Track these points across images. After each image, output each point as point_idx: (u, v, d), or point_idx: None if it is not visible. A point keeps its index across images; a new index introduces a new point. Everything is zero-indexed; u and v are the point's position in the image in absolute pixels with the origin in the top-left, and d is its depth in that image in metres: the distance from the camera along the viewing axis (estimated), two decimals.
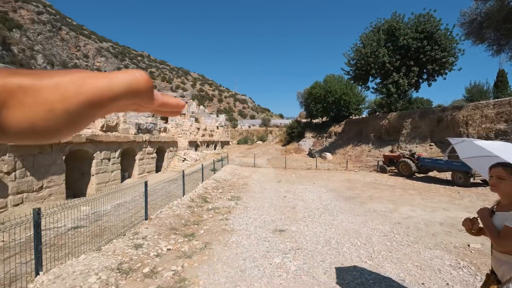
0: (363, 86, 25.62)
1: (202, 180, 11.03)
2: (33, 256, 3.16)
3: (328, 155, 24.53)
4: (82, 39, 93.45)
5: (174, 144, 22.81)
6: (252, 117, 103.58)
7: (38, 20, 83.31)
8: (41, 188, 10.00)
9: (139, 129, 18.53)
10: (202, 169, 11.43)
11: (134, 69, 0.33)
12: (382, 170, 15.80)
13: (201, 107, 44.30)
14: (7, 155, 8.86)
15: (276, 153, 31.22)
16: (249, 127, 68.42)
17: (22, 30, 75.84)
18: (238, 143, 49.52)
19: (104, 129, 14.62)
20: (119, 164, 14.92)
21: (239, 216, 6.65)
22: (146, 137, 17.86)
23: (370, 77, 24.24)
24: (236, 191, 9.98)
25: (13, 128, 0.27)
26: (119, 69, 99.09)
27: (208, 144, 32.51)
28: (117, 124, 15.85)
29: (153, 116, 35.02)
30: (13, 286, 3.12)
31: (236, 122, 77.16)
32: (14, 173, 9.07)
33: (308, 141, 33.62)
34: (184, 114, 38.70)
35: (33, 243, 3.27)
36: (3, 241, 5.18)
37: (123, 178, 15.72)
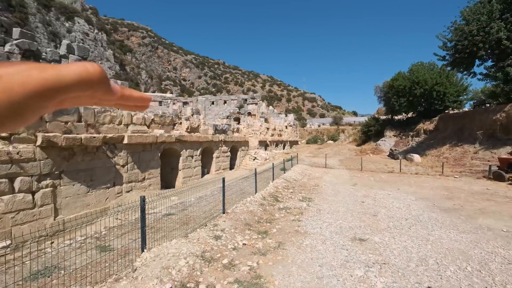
0: (466, 72, 20.68)
1: (273, 179, 11.16)
2: (139, 235, 3.81)
3: (416, 156, 20.94)
4: (172, 55, 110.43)
5: (245, 143, 24.11)
6: (322, 116, 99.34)
7: (142, 43, 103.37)
8: (144, 179, 12.22)
9: (216, 130, 20.39)
10: (273, 168, 11.58)
11: (89, 62, 0.31)
12: (497, 177, 12.32)
13: (270, 107, 45.38)
14: (122, 151, 11.19)
15: (350, 154, 28.85)
16: (319, 126, 65.82)
17: (132, 52, 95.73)
18: (307, 143, 48.35)
19: (188, 130, 16.72)
20: (200, 161, 16.79)
21: (312, 218, 6.35)
22: (221, 137, 19.50)
23: (476, 60, 19.34)
24: (307, 192, 9.65)
25: None
26: (200, 77, 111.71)
27: (277, 143, 32.96)
28: (198, 125, 17.88)
29: (227, 118, 38.03)
30: (126, 257, 3.83)
31: (305, 122, 75.54)
32: (126, 166, 11.39)
33: (388, 141, 29.69)
34: (255, 115, 40.46)
35: (139, 224, 3.94)
36: (119, 219, 6.51)
37: (203, 174, 17.61)
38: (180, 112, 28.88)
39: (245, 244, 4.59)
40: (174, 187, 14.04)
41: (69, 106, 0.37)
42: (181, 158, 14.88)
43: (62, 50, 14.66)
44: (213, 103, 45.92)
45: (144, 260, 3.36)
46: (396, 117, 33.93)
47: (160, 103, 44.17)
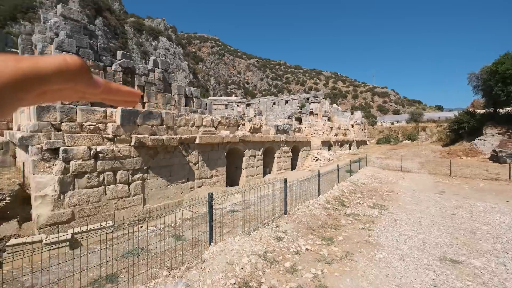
0: None
1: (338, 182, 10.42)
2: (207, 229, 4.09)
3: None
4: (237, 60, 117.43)
5: (307, 143, 23.41)
6: (396, 112, 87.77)
7: (211, 52, 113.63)
8: (212, 176, 13.29)
9: (277, 130, 20.51)
10: (338, 170, 10.82)
11: (71, 55, 0.30)
12: None
13: (334, 105, 42.83)
14: (195, 151, 12.44)
15: (433, 155, 24.47)
16: (392, 123, 58.37)
17: (202, 61, 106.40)
18: (377, 143, 43.48)
19: (251, 131, 17.35)
20: (262, 161, 17.17)
21: (386, 229, 5.59)
22: (283, 137, 19.46)
23: None
24: (379, 198, 8.60)
25: None
26: (262, 79, 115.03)
27: (341, 143, 30.83)
28: (260, 126, 18.36)
29: (288, 118, 37.83)
30: (196, 248, 4.18)
31: (375, 119, 68.21)
32: (198, 163, 12.61)
33: (490, 140, 23.82)
34: (317, 114, 38.93)
35: (207, 218, 4.25)
36: (192, 211, 7.20)
37: (264, 173, 17.96)
38: (244, 113, 30.33)
39: (308, 249, 4.38)
40: (238, 185, 14.79)
41: (52, 100, 0.35)
42: (244, 158, 15.56)
43: (150, 65, 17.38)
44: (274, 103, 46.47)
45: (211, 253, 3.58)
46: (501, 110, 26.94)
47: (226, 106, 47.48)
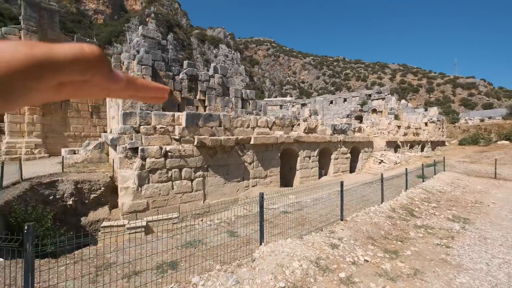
0: None
1: (406, 188, 9.16)
2: (258, 228, 4.14)
3: None
4: (292, 60, 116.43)
5: (369, 144, 21.39)
6: (487, 106, 72.07)
7: (266, 55, 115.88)
8: (266, 176, 13.47)
9: (334, 130, 19.39)
10: (406, 175, 9.50)
11: (87, 43, 0.28)
12: None
13: (403, 101, 37.87)
14: (250, 151, 12.84)
15: None
16: (481, 120, 48.15)
17: (258, 64, 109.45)
18: (460, 144, 36.43)
19: (306, 131, 16.88)
20: (317, 162, 16.50)
21: (471, 248, 4.60)
22: (340, 137, 18.29)
23: None
24: (462, 210, 7.16)
25: None
26: (318, 78, 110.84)
27: (411, 144, 27.03)
28: (316, 126, 17.68)
29: (347, 117, 35.36)
30: (248, 246, 4.27)
31: (457, 116, 57.47)
32: (252, 163, 12.98)
33: None
34: (381, 112, 35.20)
35: (259, 217, 4.30)
36: (246, 209, 7.43)
37: (320, 175, 17.21)
38: (298, 113, 29.80)
39: (367, 260, 3.96)
40: (291, 186, 14.59)
41: (73, 96, 0.33)
42: (298, 158, 15.25)
43: (211, 72, 18.83)
44: (331, 102, 44.15)
45: (262, 253, 3.60)
46: None
47: (281, 106, 47.57)
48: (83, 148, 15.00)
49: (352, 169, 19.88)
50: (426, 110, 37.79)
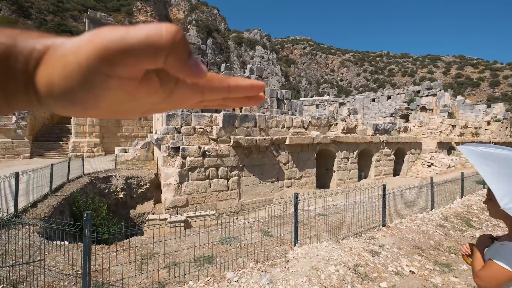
0: None
1: (462, 195, 8.09)
2: (292, 229, 4.07)
3: None
4: (330, 57, 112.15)
5: (416, 145, 19.46)
6: None
7: (303, 54, 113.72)
8: (301, 177, 13.20)
9: (376, 129, 18.09)
10: (462, 180, 8.39)
11: (169, 23, 0.25)
12: None
13: (459, 97, 33.54)
14: (284, 151, 12.73)
15: None
16: None
17: (294, 64, 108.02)
18: None
19: (344, 131, 16.09)
20: (356, 164, 15.59)
21: None
22: (383, 137, 17.00)
23: None
24: None
25: (39, 88, 0.26)
26: (358, 75, 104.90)
27: None
28: (355, 126, 16.73)
29: (391, 115, 32.72)
30: (282, 246, 4.23)
31: None
32: (287, 164, 12.84)
33: None
34: (432, 110, 31.76)
35: (293, 218, 4.22)
36: (280, 209, 7.37)
37: (359, 178, 16.23)
38: (336, 113, 28.55)
39: (412, 272, 3.59)
40: (328, 188, 14.03)
41: (161, 101, 0.30)
42: (336, 160, 14.60)
43: (247, 73, 19.22)
44: (373, 100, 41.33)
45: (296, 255, 3.53)
46: None
47: (317, 106, 46.18)
48: (132, 147, 16.59)
49: (396, 172, 18.32)
50: (488, 107, 32.89)
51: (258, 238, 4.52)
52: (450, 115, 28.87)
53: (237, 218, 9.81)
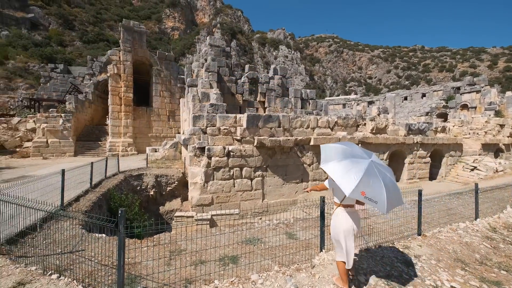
0: None
1: None
2: (318, 233, 3.93)
3: None
4: (357, 54, 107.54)
5: (456, 147, 17.85)
6: None
7: (328, 51, 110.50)
8: (326, 178, 12.81)
9: (410, 130, 16.92)
10: None
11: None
12: None
13: (508, 93, 30.01)
14: (309, 152, 12.45)
15: None
16: None
17: (319, 62, 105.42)
18: None
19: (373, 131, 15.29)
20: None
21: None
22: (417, 138, 15.87)
23: None
24: None
25: None
26: (389, 71, 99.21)
27: None
28: (386, 126, 15.82)
29: (427, 114, 30.42)
30: (307, 250, 4.11)
31: None
32: (312, 165, 12.54)
33: None
34: (474, 108, 28.94)
35: (319, 222, 4.08)
36: (305, 212, 7.21)
37: None
38: (364, 112, 27.24)
39: (454, 287, 3.27)
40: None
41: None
42: None
43: (271, 73, 19.15)
44: (405, 98, 38.81)
45: (322, 260, 3.41)
46: None
47: (344, 105, 44.55)
48: (161, 147, 17.42)
49: (433, 176, 17.00)
50: None
51: (283, 240, 4.45)
52: (498, 113, 26.05)
53: (260, 219, 9.80)
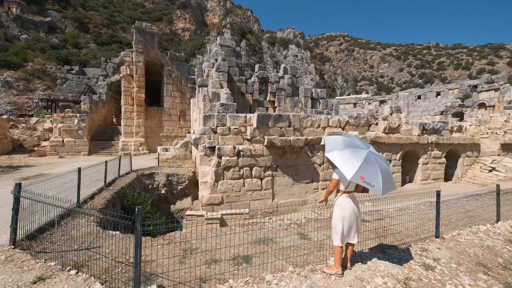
0: None
1: None
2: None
3: None
4: (369, 53, 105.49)
5: (473, 147, 17.20)
6: None
7: (339, 50, 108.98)
8: None
9: (424, 129, 16.43)
10: None
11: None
12: None
13: None
14: (320, 152, 12.30)
15: None
16: None
17: (329, 61, 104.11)
18: None
19: (386, 131, 14.94)
20: (400, 167, 14.38)
21: None
22: (432, 138, 15.39)
23: None
24: None
25: None
26: (401, 70, 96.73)
27: None
28: (399, 125, 15.43)
29: (441, 114, 29.49)
30: (321, 251, 4.04)
31: None
32: (322, 165, 12.38)
33: None
34: (493, 106, 27.81)
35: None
36: (316, 213, 7.12)
37: (403, 182, 14.94)
38: (377, 112, 26.69)
39: None
40: (367, 192, 13.15)
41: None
42: None
43: (280, 73, 19.06)
44: (419, 97, 37.77)
45: None
46: None
47: (355, 104, 43.81)
48: (172, 146, 17.65)
49: (448, 177, 16.45)
50: None
51: (295, 241, 4.40)
52: None
53: (270, 219, 9.76)
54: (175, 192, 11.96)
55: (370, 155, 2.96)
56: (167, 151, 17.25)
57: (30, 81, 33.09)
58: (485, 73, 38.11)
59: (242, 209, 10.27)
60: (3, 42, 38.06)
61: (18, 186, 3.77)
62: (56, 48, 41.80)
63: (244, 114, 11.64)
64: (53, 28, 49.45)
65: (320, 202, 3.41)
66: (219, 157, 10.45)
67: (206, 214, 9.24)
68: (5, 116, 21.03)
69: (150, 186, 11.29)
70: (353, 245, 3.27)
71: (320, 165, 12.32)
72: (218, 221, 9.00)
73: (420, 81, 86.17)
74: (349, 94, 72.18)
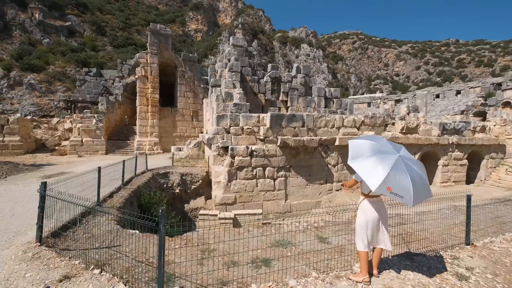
0: None
1: None
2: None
3: None
4: (383, 51, 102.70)
5: (498, 148, 16.33)
6: None
7: (352, 49, 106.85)
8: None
9: (444, 129, 15.74)
10: None
11: None
12: None
13: None
14: (334, 152, 12.04)
15: None
16: None
17: (342, 60, 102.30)
18: None
19: (403, 131, 14.42)
20: None
21: None
22: (453, 139, 14.73)
23: None
24: None
25: None
26: (418, 68, 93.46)
27: None
28: (417, 125, 14.86)
29: (462, 113, 28.21)
30: (342, 256, 3.90)
31: None
32: (337, 166, 12.12)
33: None
34: None
35: (352, 226, 3.86)
36: (331, 214, 6.92)
37: None
38: (393, 111, 25.88)
39: None
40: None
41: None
42: None
43: (293, 72, 18.85)
44: (438, 96, 36.35)
45: None
46: None
47: (369, 104, 42.77)
48: (186, 146, 17.85)
49: (470, 179, 15.70)
50: None
51: (314, 244, 4.27)
52: None
53: (283, 220, 9.63)
54: (188, 191, 12.06)
55: (400, 160, 2.67)
56: (180, 150, 17.45)
57: (52, 83, 34.56)
58: (509, 70, 36.14)
59: (255, 210, 10.21)
60: (27, 46, 39.97)
61: (44, 185, 3.87)
62: (75, 51, 43.45)
63: (257, 114, 11.56)
64: (73, 32, 51.43)
65: (342, 184, 3.43)
66: (232, 157, 10.43)
67: (219, 213, 9.24)
68: (29, 117, 22.05)
69: (165, 185, 11.44)
70: (380, 251, 3.11)
71: (334, 165, 12.06)
72: (231, 221, 8.98)
73: (438, 79, 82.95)
74: (362, 93, 70.57)
